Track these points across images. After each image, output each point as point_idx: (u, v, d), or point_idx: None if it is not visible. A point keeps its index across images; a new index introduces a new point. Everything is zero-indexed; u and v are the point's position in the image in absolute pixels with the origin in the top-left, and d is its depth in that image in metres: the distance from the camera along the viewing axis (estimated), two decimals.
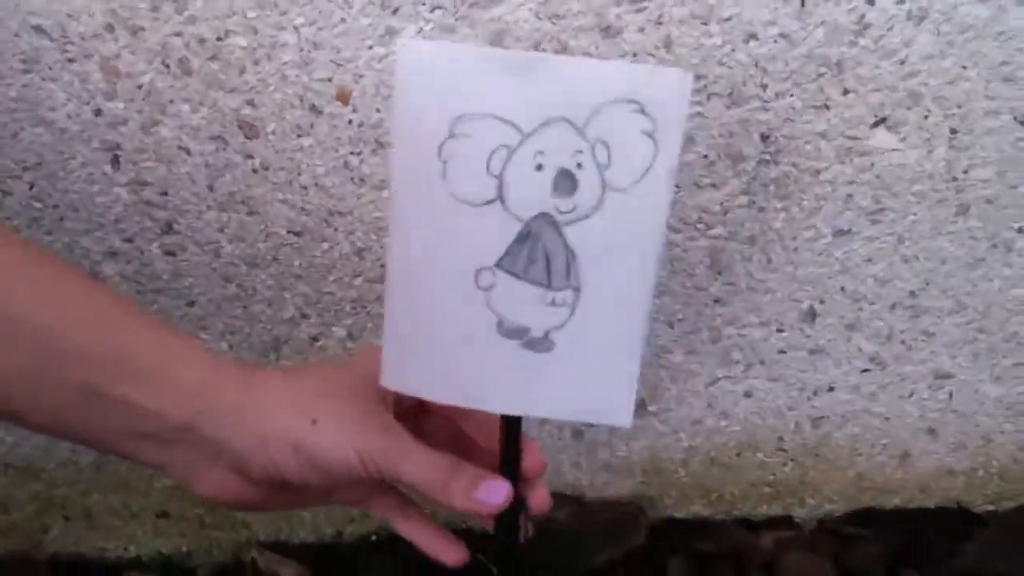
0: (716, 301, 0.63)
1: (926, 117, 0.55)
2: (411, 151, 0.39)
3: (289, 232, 0.59)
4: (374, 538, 0.73)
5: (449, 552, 0.48)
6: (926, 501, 0.74)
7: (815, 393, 0.68)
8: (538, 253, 0.40)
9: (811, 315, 0.64)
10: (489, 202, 0.39)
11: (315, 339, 0.64)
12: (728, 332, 0.64)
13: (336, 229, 0.58)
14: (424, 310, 0.41)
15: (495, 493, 0.43)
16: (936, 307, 0.63)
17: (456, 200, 0.39)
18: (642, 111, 0.38)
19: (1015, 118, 0.55)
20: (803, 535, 0.73)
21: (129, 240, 0.59)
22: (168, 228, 0.58)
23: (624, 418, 0.43)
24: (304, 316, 0.62)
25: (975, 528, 0.72)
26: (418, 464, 0.42)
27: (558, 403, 0.43)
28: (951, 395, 0.68)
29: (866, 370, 0.66)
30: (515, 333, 0.41)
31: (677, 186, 0.57)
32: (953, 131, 0.55)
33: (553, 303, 0.41)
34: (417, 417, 0.49)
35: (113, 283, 0.61)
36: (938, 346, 0.65)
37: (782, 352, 0.65)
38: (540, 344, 0.42)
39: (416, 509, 0.49)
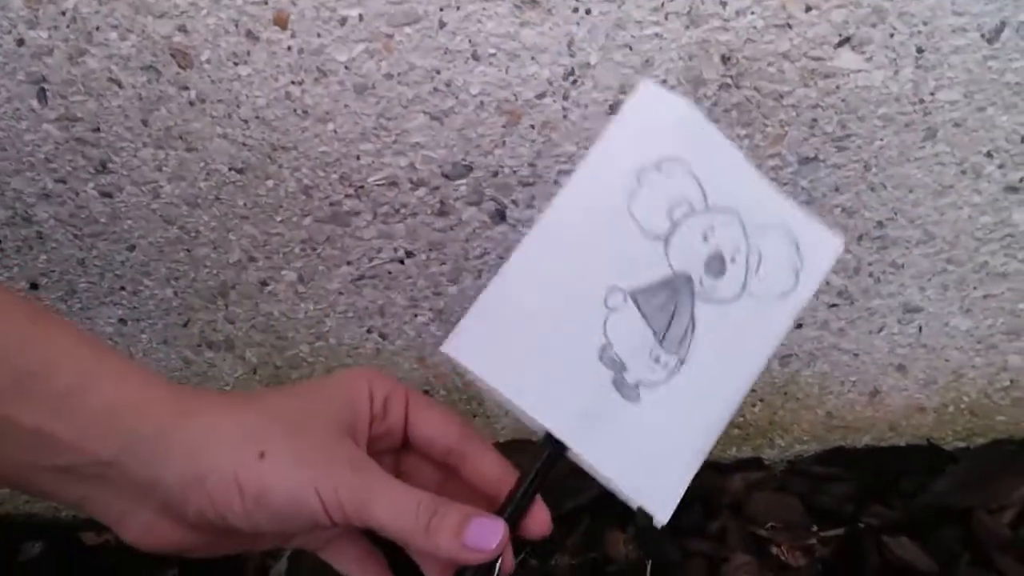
0: None
1: (891, 35, 0.53)
2: (611, 161, 0.42)
3: (231, 169, 0.56)
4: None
5: None
6: (896, 439, 0.74)
7: None
8: (669, 306, 0.41)
9: None
10: (656, 237, 0.41)
11: (264, 283, 0.61)
12: None
13: (281, 166, 0.56)
14: (539, 300, 0.40)
15: (488, 534, 0.36)
16: (904, 237, 0.62)
17: (631, 217, 0.41)
18: (797, 249, 0.43)
19: (983, 35, 0.53)
20: (773, 476, 0.72)
21: (62, 181, 0.56)
22: (102, 167, 0.55)
23: (664, 513, 0.41)
24: (252, 259, 0.60)
25: (946, 465, 0.72)
26: (392, 503, 0.36)
27: (608, 459, 0.40)
28: (920, 329, 0.67)
29: (834, 305, 0.65)
30: (613, 365, 0.40)
31: None
32: (919, 50, 0.53)
33: (657, 360, 0.41)
34: (397, 456, 0.43)
35: (48, 227, 0.58)
36: (906, 278, 0.64)
37: None
38: (627, 389, 0.40)
39: (381, 565, 0.43)
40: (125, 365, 0.37)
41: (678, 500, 0.41)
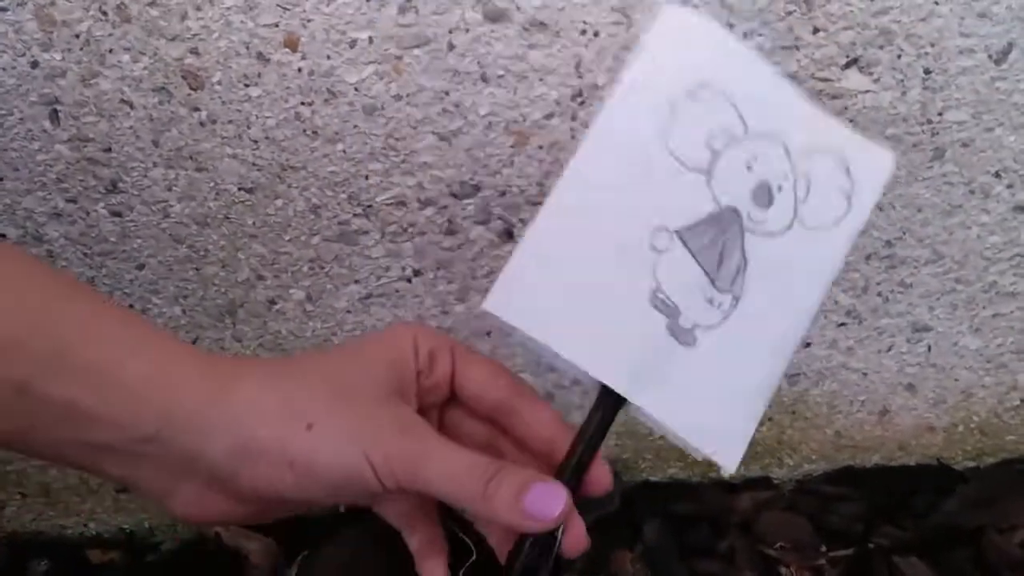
0: None
1: (899, 56, 0.53)
2: (639, 94, 0.39)
3: (240, 189, 0.56)
4: (341, 508, 0.71)
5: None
6: (906, 459, 0.73)
7: None
8: (719, 243, 0.39)
9: None
10: (697, 171, 0.39)
11: (272, 302, 0.61)
12: None
13: (290, 185, 0.56)
14: (581, 246, 0.38)
15: (551, 501, 0.34)
16: (913, 257, 0.62)
17: (669, 152, 0.38)
18: (847, 172, 0.40)
19: (990, 56, 0.53)
20: (781, 495, 0.71)
21: (73, 200, 0.56)
22: (113, 187, 0.56)
23: (731, 461, 0.38)
24: (260, 278, 0.60)
25: (956, 485, 0.71)
26: (447, 466, 0.34)
27: (669, 408, 0.38)
28: (929, 348, 0.67)
29: (842, 324, 0.65)
30: (666, 309, 0.38)
31: None
32: (927, 71, 0.54)
33: (711, 301, 0.39)
34: (442, 411, 0.41)
35: (59, 246, 0.58)
36: (915, 298, 0.64)
37: None
38: (683, 334, 0.38)
39: (431, 519, 0.41)
40: (155, 336, 0.35)
41: (745, 446, 0.38)
